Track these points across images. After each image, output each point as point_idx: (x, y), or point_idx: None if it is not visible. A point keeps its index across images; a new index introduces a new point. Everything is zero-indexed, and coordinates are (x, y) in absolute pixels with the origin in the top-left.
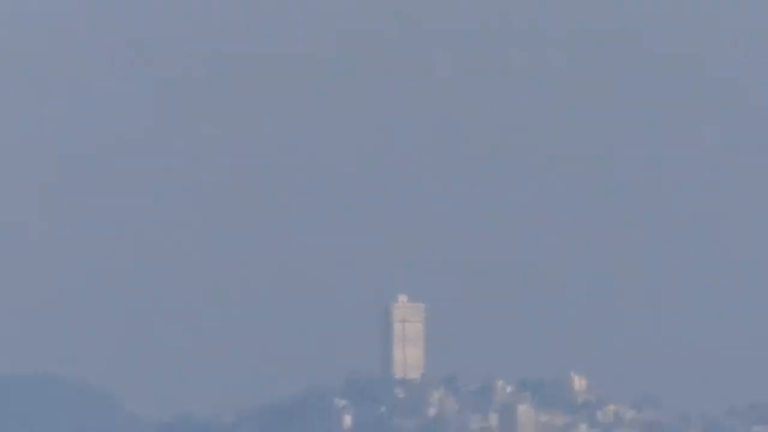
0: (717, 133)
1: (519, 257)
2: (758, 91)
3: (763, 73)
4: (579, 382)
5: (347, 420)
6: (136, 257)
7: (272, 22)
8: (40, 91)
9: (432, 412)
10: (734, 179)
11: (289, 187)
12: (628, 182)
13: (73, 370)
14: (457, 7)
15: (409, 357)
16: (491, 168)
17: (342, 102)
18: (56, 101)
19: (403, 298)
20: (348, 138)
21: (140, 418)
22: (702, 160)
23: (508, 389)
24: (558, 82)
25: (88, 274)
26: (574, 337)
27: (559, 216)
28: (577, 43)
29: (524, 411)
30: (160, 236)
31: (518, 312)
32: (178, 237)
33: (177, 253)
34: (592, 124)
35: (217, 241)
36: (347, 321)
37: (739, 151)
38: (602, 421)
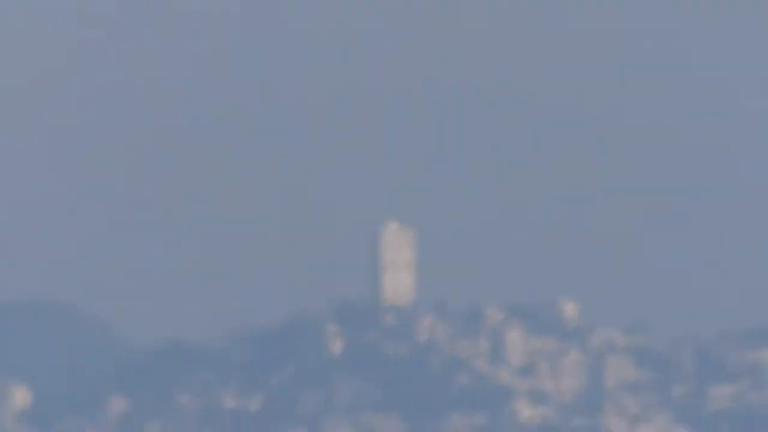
0: None
1: (510, 184)
2: None
3: None
4: (569, 308)
5: (337, 346)
6: (128, 181)
7: None
8: None
9: (422, 338)
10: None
11: (280, 113)
12: (612, 105)
13: (65, 295)
14: None
15: (399, 283)
16: (482, 95)
17: (340, 32)
18: None
19: (393, 224)
20: (344, 66)
21: (131, 343)
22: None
23: (499, 316)
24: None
25: (80, 198)
26: (565, 263)
27: (546, 144)
28: None
29: (514, 337)
30: (154, 161)
31: (509, 238)
32: (172, 163)
33: (170, 180)
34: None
35: (208, 167)
36: (338, 246)
37: None
38: (593, 347)
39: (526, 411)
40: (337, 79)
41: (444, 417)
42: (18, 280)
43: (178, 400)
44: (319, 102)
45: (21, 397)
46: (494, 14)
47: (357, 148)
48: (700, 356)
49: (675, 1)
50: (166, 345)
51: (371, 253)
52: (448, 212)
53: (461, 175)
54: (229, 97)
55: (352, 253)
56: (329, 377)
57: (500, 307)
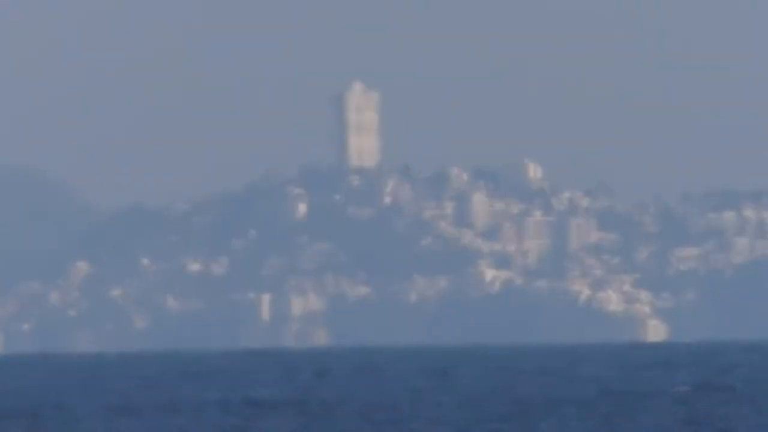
0: None
1: (477, 49)
2: None
3: None
4: (533, 170)
5: (301, 208)
6: (99, 50)
7: None
8: None
9: (387, 200)
10: None
11: None
12: None
13: (30, 159)
14: None
15: (364, 145)
16: None
17: None
18: None
19: (358, 85)
20: None
21: (95, 207)
22: None
23: (463, 178)
24: None
25: (50, 65)
26: (529, 125)
27: (515, 16)
28: None
29: (479, 199)
30: (132, 34)
31: (474, 102)
32: (146, 35)
33: (140, 49)
34: None
35: (176, 34)
36: (302, 108)
37: None
38: (557, 208)
39: (489, 273)
40: None
41: (408, 279)
42: None
43: (141, 263)
44: None
45: None
46: None
47: (323, 8)
48: (663, 218)
49: None
50: (130, 209)
51: (336, 114)
52: (413, 74)
53: (429, 38)
54: None
55: (316, 116)
56: (293, 240)
57: (465, 170)
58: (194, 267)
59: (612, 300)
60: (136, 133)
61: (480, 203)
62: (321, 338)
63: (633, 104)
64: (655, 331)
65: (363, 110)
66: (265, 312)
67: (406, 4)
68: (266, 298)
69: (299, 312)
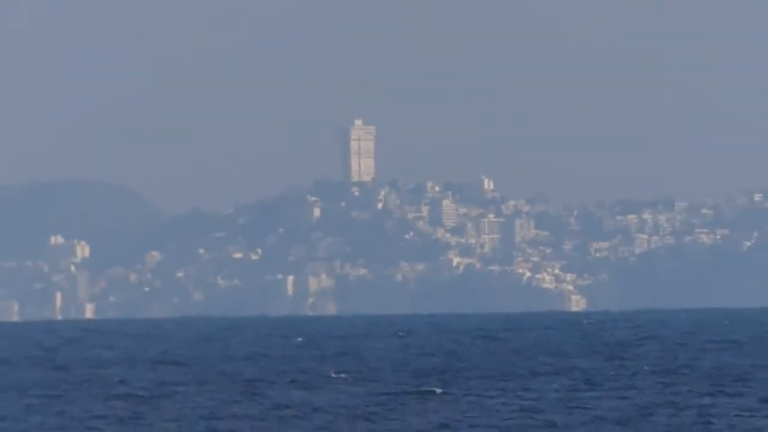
0: None
1: (447, 98)
2: None
3: None
4: (488, 184)
5: (316, 212)
6: (152, 80)
7: None
8: None
9: (379, 206)
10: None
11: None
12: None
13: (114, 177)
14: None
15: (363, 166)
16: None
17: None
18: None
19: (359, 121)
20: None
21: (164, 211)
22: None
23: (436, 189)
24: None
25: (124, 98)
26: (485, 150)
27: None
28: None
29: (447, 205)
30: (173, 62)
31: (444, 133)
32: (186, 55)
33: (184, 77)
34: None
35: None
36: (317, 138)
37: None
38: (505, 212)
39: (456, 260)
40: None
41: (395, 265)
42: (69, 163)
43: (198, 252)
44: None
45: (81, 251)
46: None
47: (333, 56)
48: (583, 219)
49: None
50: (189, 212)
51: (342, 143)
52: (400, 113)
53: (412, 85)
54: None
55: (328, 143)
56: (310, 235)
57: (437, 183)
58: (237, 255)
59: (546, 280)
60: (194, 154)
61: (448, 208)
62: (331, 309)
63: (562, 133)
64: (577, 304)
65: (362, 140)
66: (290, 289)
67: (396, 62)
68: (290, 278)
69: (314, 288)
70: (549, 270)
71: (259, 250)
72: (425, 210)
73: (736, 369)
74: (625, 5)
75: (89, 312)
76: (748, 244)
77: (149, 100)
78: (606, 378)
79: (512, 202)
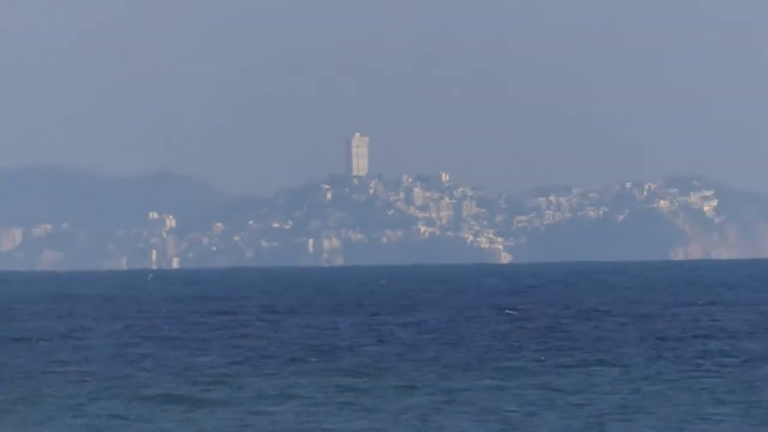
0: None
1: (423, 119)
2: None
3: None
4: (444, 176)
5: (329, 195)
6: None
7: None
8: None
9: (371, 191)
10: None
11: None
12: None
13: (181, 167)
14: None
15: (360, 165)
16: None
17: None
18: None
19: (357, 134)
20: None
21: (222, 195)
22: None
23: (409, 180)
24: None
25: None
26: (443, 151)
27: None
28: None
29: (417, 191)
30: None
31: (414, 140)
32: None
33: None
34: None
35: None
36: (331, 144)
37: None
38: (456, 196)
39: (423, 229)
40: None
41: (382, 231)
42: (162, 159)
43: (248, 224)
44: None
45: (169, 222)
46: None
47: (337, 76)
48: (510, 201)
49: None
50: (241, 196)
51: (346, 148)
52: (387, 129)
53: (394, 109)
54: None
55: (337, 148)
56: (325, 211)
57: (410, 176)
58: (275, 225)
59: (483, 242)
60: (244, 152)
61: (417, 193)
62: (339, 261)
63: (494, 136)
64: (504, 258)
65: (359, 147)
66: (310, 248)
67: (391, 85)
68: (311, 241)
69: (327, 248)
70: (485, 235)
71: (290, 222)
72: (402, 195)
73: (597, 299)
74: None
75: (175, 264)
76: (621, 217)
77: (215, 110)
78: (512, 310)
79: (461, 189)
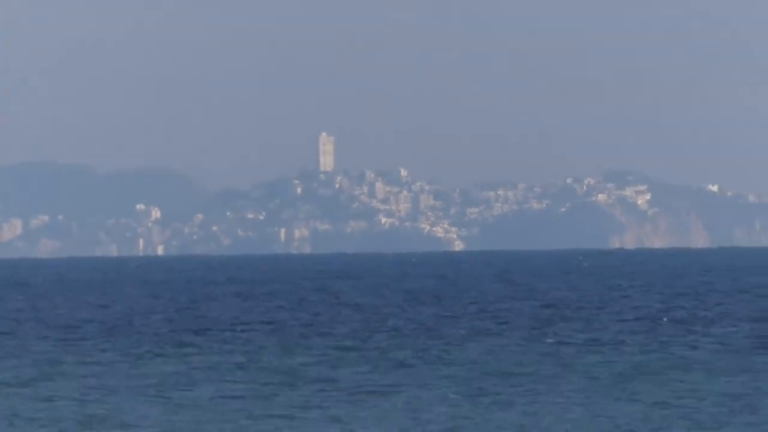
0: None
1: (390, 120)
2: None
3: None
4: (404, 172)
5: (299, 189)
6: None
7: None
8: None
9: (337, 186)
10: None
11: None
12: None
13: (168, 162)
14: None
15: (327, 161)
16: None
17: None
18: None
19: (324, 133)
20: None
21: (204, 188)
22: None
23: (372, 176)
24: None
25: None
26: (403, 149)
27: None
28: None
29: (379, 186)
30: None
31: (377, 139)
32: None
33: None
34: None
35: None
36: (301, 142)
37: None
38: (414, 189)
39: (384, 220)
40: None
41: (346, 222)
42: (144, 154)
43: (227, 215)
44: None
45: (155, 213)
46: None
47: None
48: (463, 194)
49: None
50: (222, 189)
51: (314, 146)
52: (350, 129)
53: (357, 110)
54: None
55: (306, 147)
56: (295, 204)
57: (372, 172)
58: (250, 216)
59: (440, 232)
60: (224, 148)
61: (380, 188)
62: (307, 249)
63: (449, 134)
64: (458, 246)
65: (326, 145)
66: (282, 237)
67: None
68: (283, 230)
69: (297, 236)
70: (441, 226)
71: (264, 213)
72: (365, 189)
73: (532, 282)
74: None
75: (159, 251)
76: (563, 209)
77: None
78: (460, 295)
79: (418, 183)
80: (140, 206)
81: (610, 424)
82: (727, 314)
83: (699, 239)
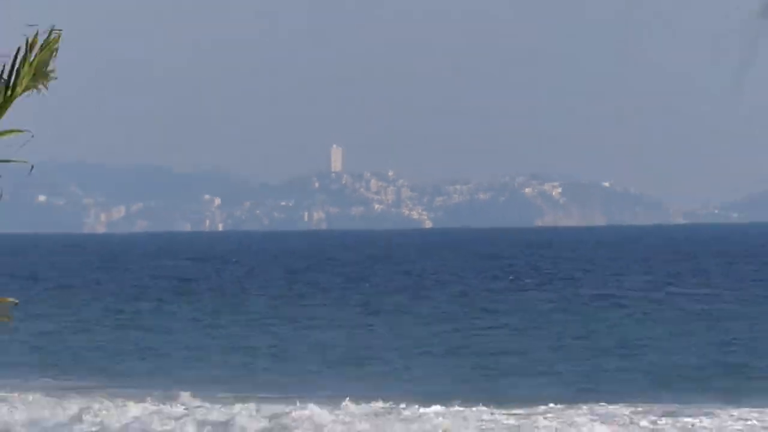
0: None
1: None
2: None
3: None
4: (390, 173)
5: (316, 184)
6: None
7: None
8: None
9: (343, 182)
10: None
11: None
12: None
13: (221, 163)
14: None
15: (337, 164)
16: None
17: None
18: None
19: (335, 146)
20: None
21: (248, 184)
22: None
23: (368, 175)
24: None
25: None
26: (387, 158)
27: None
28: None
29: (373, 182)
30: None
31: (369, 151)
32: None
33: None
34: None
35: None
36: (318, 152)
37: None
38: (397, 185)
39: (376, 206)
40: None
41: (349, 207)
42: (203, 157)
43: (265, 202)
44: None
45: (217, 201)
46: None
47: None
48: (432, 188)
49: None
50: (263, 184)
51: (327, 155)
52: (353, 140)
53: (360, 128)
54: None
55: (323, 154)
56: (313, 195)
57: (368, 172)
58: (282, 203)
59: (415, 215)
60: (260, 145)
61: (374, 183)
62: (323, 227)
63: (423, 134)
64: (428, 225)
65: (336, 153)
66: (306, 218)
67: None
68: (306, 213)
69: (316, 218)
70: (416, 210)
71: (292, 201)
72: (363, 184)
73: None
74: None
75: (220, 227)
76: (502, 199)
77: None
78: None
79: (401, 180)
80: (207, 196)
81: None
82: (593, 272)
83: (599, 221)
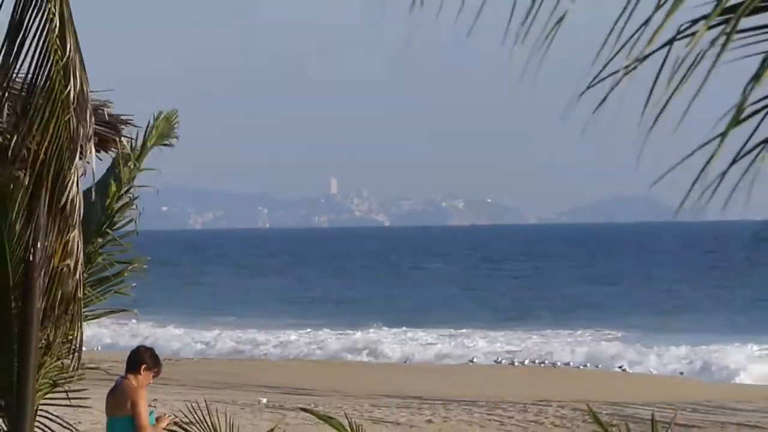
0: None
1: (380, 169)
2: None
3: None
4: (365, 192)
5: (321, 200)
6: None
7: None
8: None
9: (338, 200)
10: None
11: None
12: None
13: (261, 187)
14: None
15: (333, 188)
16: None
17: None
18: None
19: (333, 178)
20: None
21: (279, 201)
22: None
23: (365, 194)
24: None
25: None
26: (361, 182)
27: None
28: None
29: (356, 199)
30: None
31: (361, 177)
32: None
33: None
34: None
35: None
36: (321, 181)
37: None
38: (369, 201)
39: (357, 213)
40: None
41: (341, 215)
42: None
43: (287, 210)
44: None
45: (264, 210)
46: None
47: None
48: (390, 199)
49: None
50: (287, 200)
51: (327, 183)
52: (346, 172)
53: (351, 161)
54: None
55: (324, 182)
56: (318, 208)
57: (353, 193)
58: (301, 212)
59: (379, 218)
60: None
61: (356, 199)
62: (326, 226)
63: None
64: (388, 225)
65: (333, 182)
66: (316, 222)
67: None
68: (316, 218)
69: (322, 221)
70: (380, 215)
71: (305, 210)
72: (349, 200)
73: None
74: None
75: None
76: (431, 209)
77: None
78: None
79: (372, 197)
80: (259, 207)
81: None
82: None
83: (484, 222)
